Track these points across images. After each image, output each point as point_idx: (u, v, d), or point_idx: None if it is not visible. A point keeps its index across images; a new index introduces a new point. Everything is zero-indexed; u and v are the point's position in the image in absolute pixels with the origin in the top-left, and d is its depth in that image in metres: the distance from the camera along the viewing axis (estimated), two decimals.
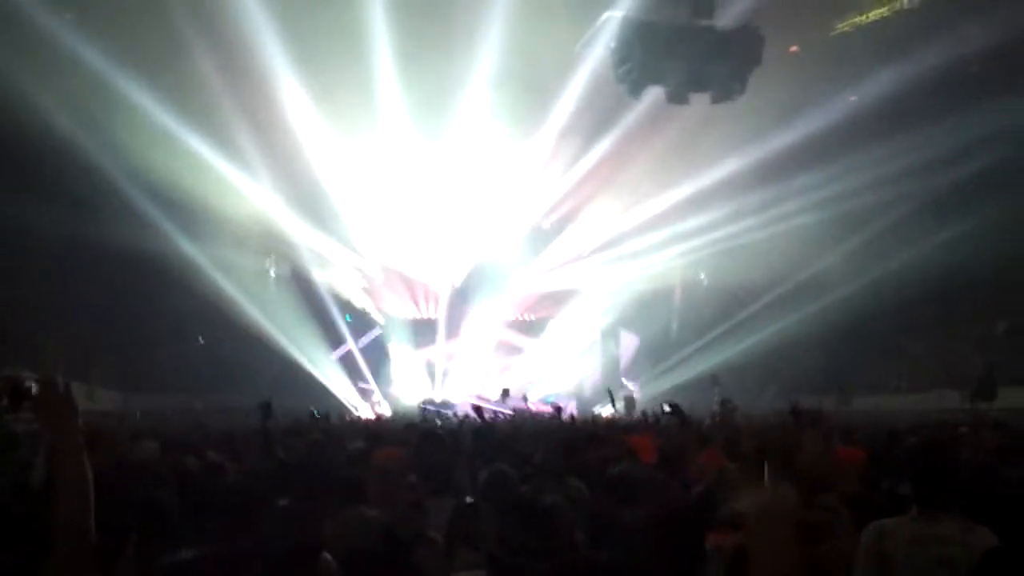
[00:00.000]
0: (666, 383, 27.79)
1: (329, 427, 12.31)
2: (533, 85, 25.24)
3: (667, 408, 6.56)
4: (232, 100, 23.51)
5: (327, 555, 3.13)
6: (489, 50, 23.37)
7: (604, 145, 27.51)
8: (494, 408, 19.11)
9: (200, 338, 28.16)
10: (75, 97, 21.50)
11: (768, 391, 25.20)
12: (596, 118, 26.54)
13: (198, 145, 23.78)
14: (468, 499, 4.45)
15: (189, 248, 25.13)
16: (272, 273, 31.58)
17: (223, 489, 4.68)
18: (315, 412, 12.19)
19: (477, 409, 8.94)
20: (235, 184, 25.56)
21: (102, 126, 22.29)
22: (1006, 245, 21.10)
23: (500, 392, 18.42)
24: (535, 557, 3.26)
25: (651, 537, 3.66)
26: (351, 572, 3.37)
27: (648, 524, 3.91)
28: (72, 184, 22.25)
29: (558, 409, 12.00)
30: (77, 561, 2.12)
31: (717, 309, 29.81)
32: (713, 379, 24.23)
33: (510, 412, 19.92)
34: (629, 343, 33.08)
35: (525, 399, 22.64)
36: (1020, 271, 22.82)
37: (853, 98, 25.42)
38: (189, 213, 24.56)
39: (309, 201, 28.25)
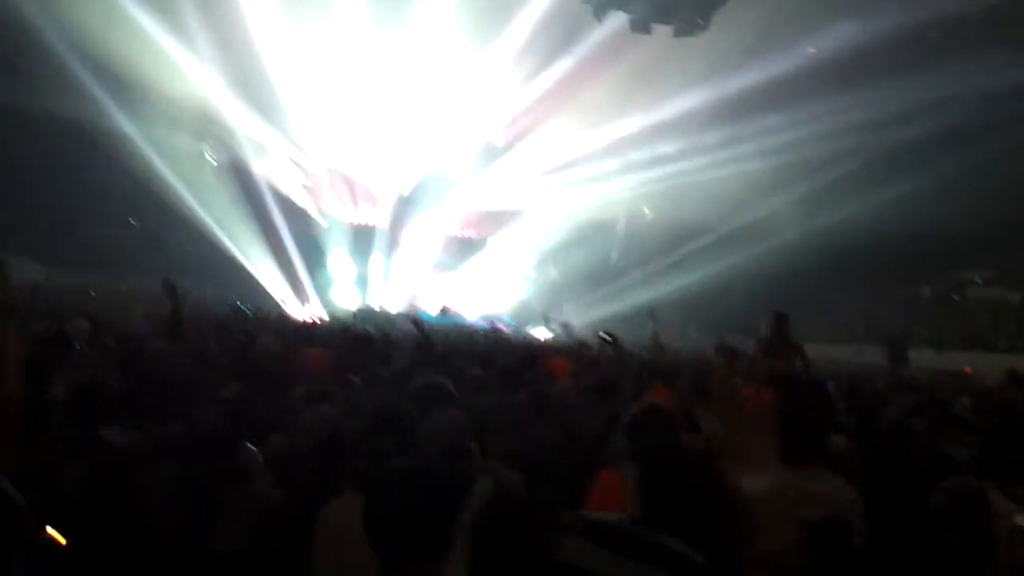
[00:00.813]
0: (602, 311, 28.13)
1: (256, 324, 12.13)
2: None
3: (605, 337, 6.58)
4: None
5: (250, 446, 3.05)
6: None
7: (562, 66, 27.10)
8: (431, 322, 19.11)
9: (132, 220, 27.33)
10: None
11: (689, 330, 25.72)
12: (557, 37, 26.05)
13: (138, 13, 22.65)
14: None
15: (124, 122, 24.15)
16: (209, 159, 30.59)
17: (161, 374, 4.56)
18: (239, 304, 11.76)
19: (416, 323, 8.92)
20: (177, 60, 24.47)
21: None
22: (943, 211, 21.61)
23: (439, 308, 18.41)
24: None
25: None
26: (302, 465, 3.34)
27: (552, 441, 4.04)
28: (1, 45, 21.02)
29: (495, 328, 12.05)
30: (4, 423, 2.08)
31: (658, 244, 30.09)
32: (650, 313, 24.57)
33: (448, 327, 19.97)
34: (568, 268, 33.26)
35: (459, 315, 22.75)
36: (951, 239, 23.50)
37: (812, 50, 25.44)
38: (125, 85, 23.48)
39: (254, 87, 27.18)
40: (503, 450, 4.00)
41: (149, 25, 22.99)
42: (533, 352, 8.57)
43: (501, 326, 14.98)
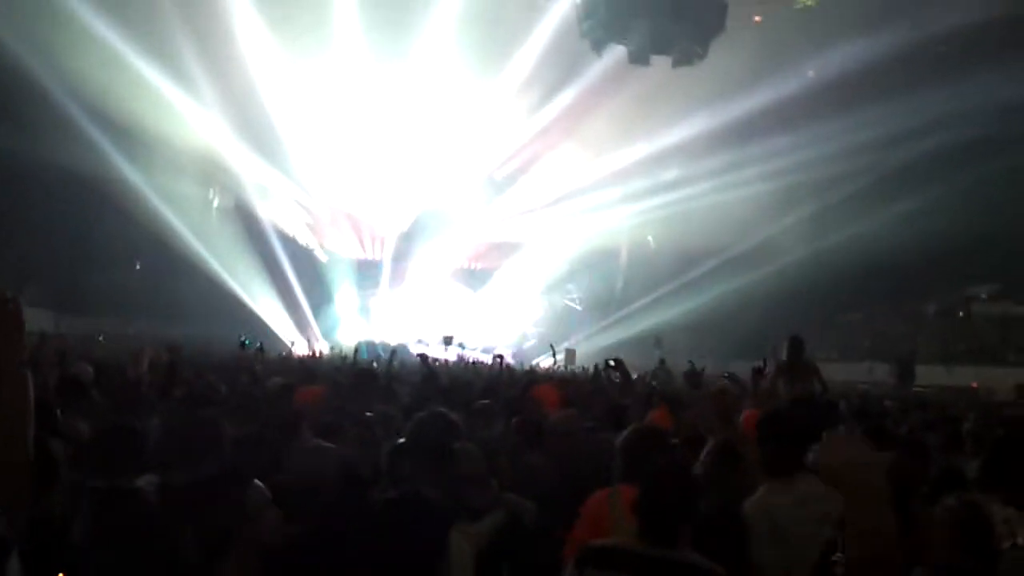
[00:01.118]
0: (608, 339, 28.10)
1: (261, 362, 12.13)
2: (497, 29, 24.89)
3: (611, 363, 6.61)
4: (180, 18, 22.70)
5: (259, 483, 3.06)
6: None
7: (563, 100, 27.35)
8: (435, 355, 19.12)
9: (137, 264, 27.51)
10: (14, 9, 20.51)
11: (698, 356, 25.59)
12: (557, 71, 26.34)
13: (143, 65, 22.93)
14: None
15: (129, 172, 24.39)
16: (215, 204, 30.87)
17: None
18: (244, 340, 11.77)
19: (423, 356, 8.96)
20: (180, 110, 24.81)
21: (42, 40, 21.32)
22: (948, 228, 21.63)
23: (442, 339, 18.40)
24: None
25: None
26: (310, 504, 3.36)
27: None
28: (7, 98, 21.32)
29: (498, 358, 12.02)
30: (12, 474, 2.09)
31: (662, 271, 30.06)
32: (656, 340, 24.53)
33: (451, 359, 19.96)
34: (572, 298, 33.31)
35: (463, 347, 22.70)
36: (957, 254, 23.47)
37: (811, 73, 25.63)
38: (131, 136, 23.78)
39: (257, 132, 27.51)
40: (506, 479, 4.03)
41: (151, 75, 23.29)
42: (533, 382, 8.56)
43: (503, 355, 14.93)
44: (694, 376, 6.10)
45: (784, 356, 8.43)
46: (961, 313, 26.98)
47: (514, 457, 4.52)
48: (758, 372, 7.49)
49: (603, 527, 3.10)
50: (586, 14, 20.63)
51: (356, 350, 12.31)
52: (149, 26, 22.32)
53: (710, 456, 3.74)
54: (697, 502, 2.86)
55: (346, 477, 3.48)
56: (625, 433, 3.67)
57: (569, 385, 8.46)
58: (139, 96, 23.09)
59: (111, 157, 23.75)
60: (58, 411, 4.12)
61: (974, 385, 18.47)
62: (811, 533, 2.95)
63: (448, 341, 17.52)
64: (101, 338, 16.20)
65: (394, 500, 3.03)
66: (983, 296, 26.87)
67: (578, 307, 33.26)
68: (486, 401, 5.91)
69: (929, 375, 20.21)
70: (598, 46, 21.23)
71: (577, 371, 18.36)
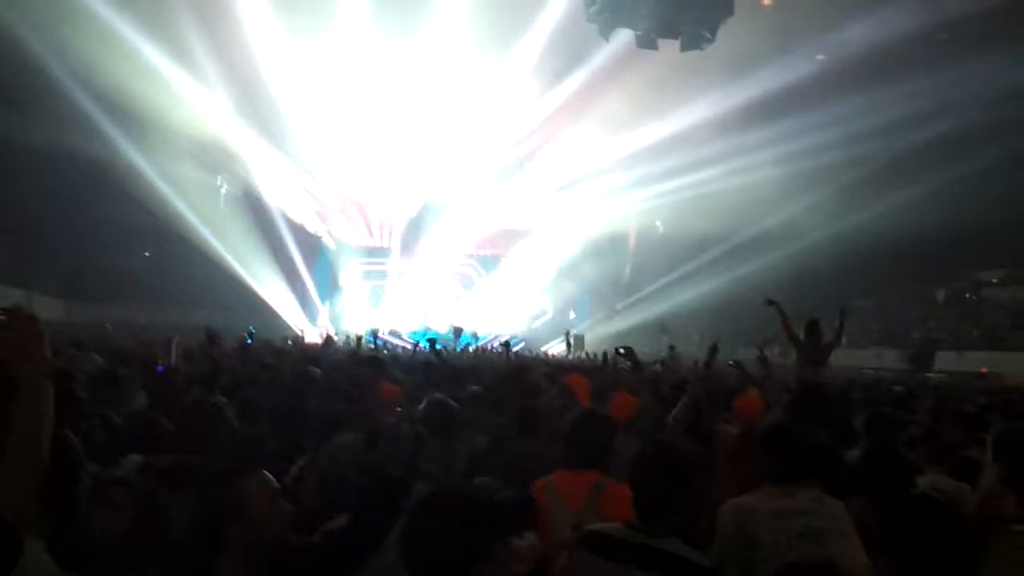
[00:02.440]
0: (614, 326, 28.09)
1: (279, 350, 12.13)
2: (504, 13, 24.73)
3: (620, 351, 6.58)
4: (187, 2, 22.64)
5: (266, 473, 2.98)
6: None
7: (570, 84, 27.22)
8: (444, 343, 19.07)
9: (147, 252, 27.57)
10: None
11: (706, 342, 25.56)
12: (564, 56, 26.16)
13: (149, 51, 22.86)
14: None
15: (137, 158, 24.39)
16: (223, 190, 30.89)
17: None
18: (251, 331, 11.72)
19: (432, 342, 8.96)
20: (187, 96, 24.75)
21: (45, 23, 21.28)
22: (957, 213, 21.52)
23: (451, 328, 18.31)
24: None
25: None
26: (338, 498, 3.35)
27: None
28: (12, 83, 21.27)
29: (507, 345, 12.02)
30: (29, 477, 2.15)
31: (670, 257, 30.01)
32: (661, 327, 24.53)
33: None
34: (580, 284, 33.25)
35: (475, 336, 22.70)
36: (967, 239, 23.35)
37: (821, 57, 25.42)
38: (137, 121, 23.76)
39: (264, 117, 27.47)
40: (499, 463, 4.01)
41: (158, 60, 23.22)
42: (520, 367, 8.55)
43: (512, 344, 14.89)
44: (712, 351, 6.14)
45: (804, 339, 8.76)
46: (972, 298, 26.87)
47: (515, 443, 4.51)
48: (762, 360, 7.59)
49: (545, 517, 3.10)
50: None
51: (362, 339, 12.28)
52: (155, 10, 22.22)
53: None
54: (689, 492, 2.82)
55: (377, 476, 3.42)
56: (571, 417, 3.66)
57: (592, 374, 8.43)
58: (146, 82, 23.01)
59: (119, 144, 23.78)
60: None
61: (983, 370, 18.41)
62: (785, 543, 2.97)
63: (458, 332, 17.41)
64: (108, 326, 16.22)
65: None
66: (994, 281, 26.76)
67: (586, 293, 33.20)
68: (476, 388, 5.92)
69: (940, 361, 20.17)
70: (606, 30, 21.09)
71: (584, 357, 18.36)
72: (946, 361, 20.16)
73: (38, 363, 2.22)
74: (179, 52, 23.47)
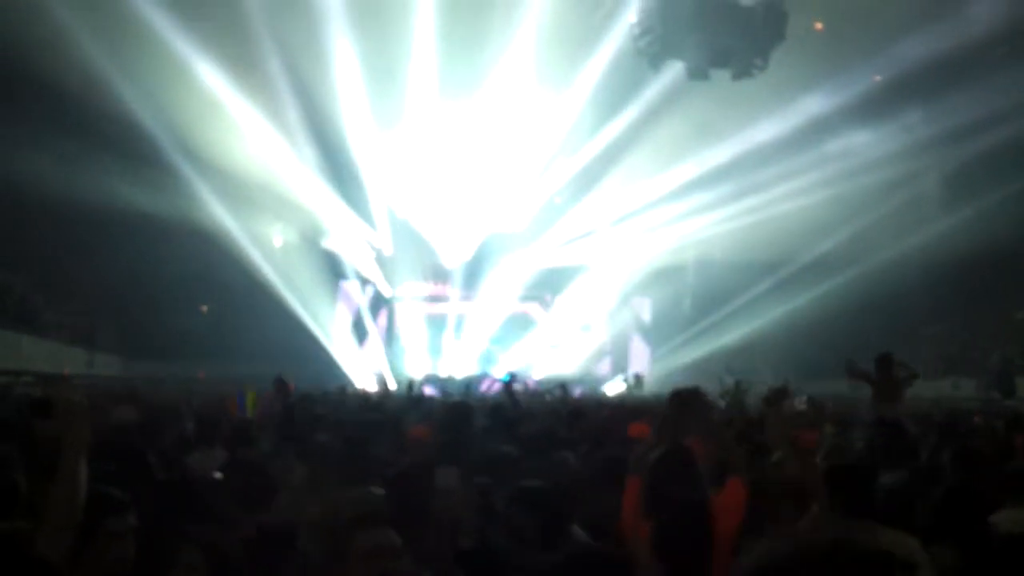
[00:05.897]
0: (675, 361, 27.49)
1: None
2: (555, 55, 24.88)
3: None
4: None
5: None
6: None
7: (622, 119, 27.12)
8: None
9: (204, 307, 27.88)
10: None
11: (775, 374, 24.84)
12: (615, 91, 26.11)
13: (216, 103, 23.32)
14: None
15: (198, 211, 24.76)
16: (281, 239, 31.19)
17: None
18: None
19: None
20: (247, 142, 25.15)
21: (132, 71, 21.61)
22: None
23: (506, 374, 18.08)
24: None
25: None
26: None
27: None
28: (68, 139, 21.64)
29: (563, 388, 11.84)
30: (64, 534, 2.59)
31: (731, 286, 29.15)
32: (727, 368, 23.68)
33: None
34: (639, 321, 32.68)
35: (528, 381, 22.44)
36: None
37: (878, 78, 24.88)
38: (208, 174, 24.18)
39: (324, 165, 27.83)
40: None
41: (222, 112, 23.61)
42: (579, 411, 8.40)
43: (569, 386, 14.61)
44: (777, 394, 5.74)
45: (875, 376, 8.48)
46: None
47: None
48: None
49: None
50: (642, 31, 20.43)
51: (411, 384, 12.19)
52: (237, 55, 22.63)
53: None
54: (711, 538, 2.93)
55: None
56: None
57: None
58: (209, 134, 23.43)
59: (184, 197, 24.15)
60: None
61: None
62: None
63: (513, 378, 17.14)
64: (167, 382, 16.36)
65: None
66: None
67: (644, 331, 32.59)
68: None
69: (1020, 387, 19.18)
70: (655, 62, 21.03)
71: (647, 397, 17.87)
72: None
73: (79, 434, 2.68)
74: (242, 100, 23.83)
